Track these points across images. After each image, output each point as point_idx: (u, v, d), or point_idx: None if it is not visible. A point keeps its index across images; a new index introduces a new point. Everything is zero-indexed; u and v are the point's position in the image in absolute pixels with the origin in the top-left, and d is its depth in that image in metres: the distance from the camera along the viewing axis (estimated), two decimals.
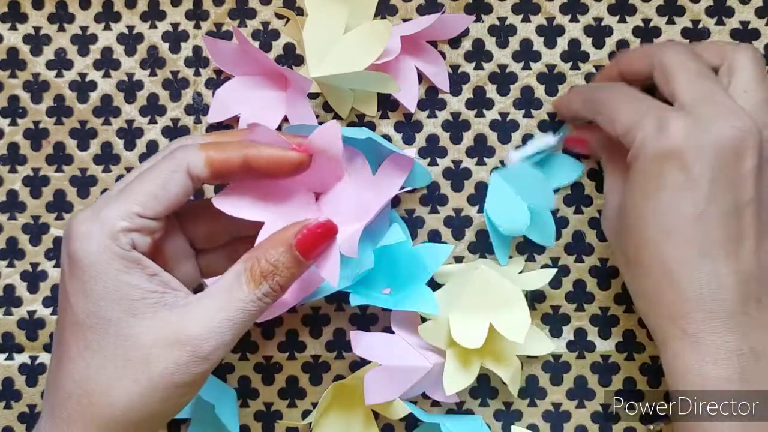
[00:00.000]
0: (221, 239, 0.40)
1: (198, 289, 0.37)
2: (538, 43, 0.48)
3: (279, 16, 0.48)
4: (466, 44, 0.48)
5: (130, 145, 0.48)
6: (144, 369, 0.32)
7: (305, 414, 0.47)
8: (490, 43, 0.48)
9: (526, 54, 0.48)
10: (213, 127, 0.48)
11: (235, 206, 0.37)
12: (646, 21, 0.48)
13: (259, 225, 0.37)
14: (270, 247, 0.34)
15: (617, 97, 0.40)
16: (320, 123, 0.47)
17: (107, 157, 0.48)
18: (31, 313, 0.47)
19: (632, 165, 0.38)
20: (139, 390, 0.32)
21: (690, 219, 0.36)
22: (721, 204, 0.35)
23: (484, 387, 0.46)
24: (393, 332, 0.45)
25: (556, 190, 0.47)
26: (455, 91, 0.48)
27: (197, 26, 0.48)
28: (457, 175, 0.47)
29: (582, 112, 0.43)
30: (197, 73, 0.48)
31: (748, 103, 0.37)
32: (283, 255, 0.34)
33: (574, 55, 0.48)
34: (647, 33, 0.48)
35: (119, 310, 0.33)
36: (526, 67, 0.48)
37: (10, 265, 0.47)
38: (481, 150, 0.48)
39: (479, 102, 0.48)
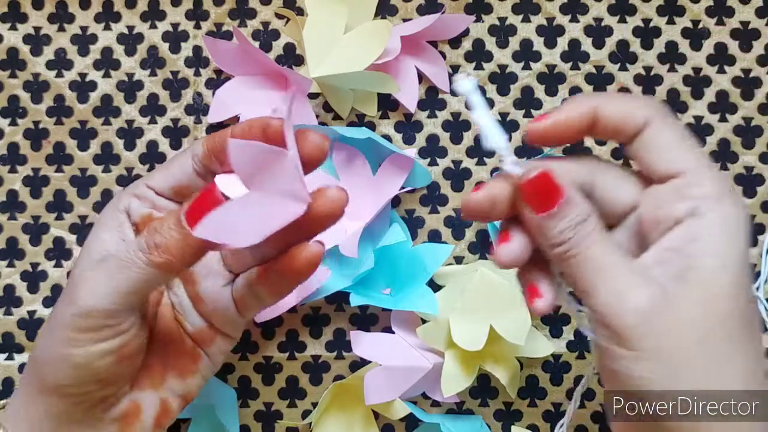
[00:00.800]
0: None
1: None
2: (538, 43, 0.48)
3: (279, 16, 0.48)
4: (466, 44, 0.48)
5: (130, 145, 0.48)
6: (51, 313, 0.34)
7: (305, 414, 0.47)
8: (490, 43, 0.48)
9: (526, 54, 0.48)
10: (213, 127, 0.48)
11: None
12: (646, 21, 0.48)
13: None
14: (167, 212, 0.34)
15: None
16: (321, 123, 0.47)
17: (107, 157, 0.48)
18: (31, 313, 0.47)
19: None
20: (45, 333, 0.34)
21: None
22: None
23: (484, 387, 0.46)
24: (393, 332, 0.45)
25: None
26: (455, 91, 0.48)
27: (197, 26, 0.48)
28: (457, 175, 0.47)
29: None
30: (197, 73, 0.48)
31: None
32: (170, 215, 0.32)
33: (575, 55, 0.48)
34: (647, 33, 0.48)
35: (85, 256, 0.34)
36: (526, 68, 0.48)
37: (10, 265, 0.47)
38: (481, 150, 0.47)
39: None
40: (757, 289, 0.46)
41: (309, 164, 0.32)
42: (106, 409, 0.34)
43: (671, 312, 0.29)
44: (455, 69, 0.48)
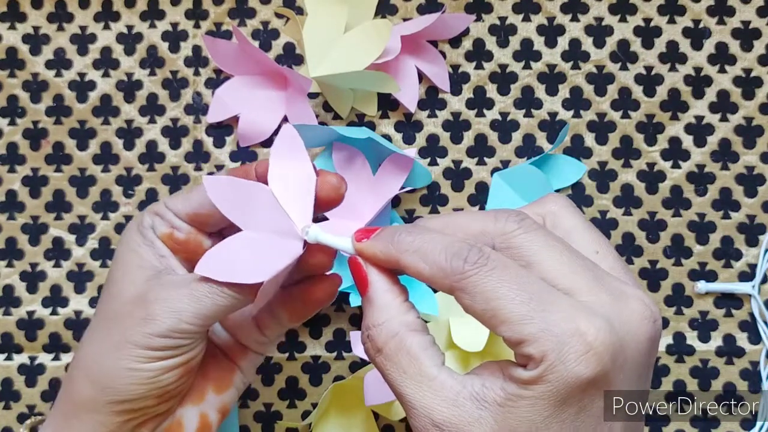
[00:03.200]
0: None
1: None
2: (538, 43, 0.48)
3: (279, 16, 0.48)
4: (467, 44, 0.48)
5: (129, 145, 0.48)
6: (111, 328, 0.33)
7: (305, 415, 0.46)
8: (491, 43, 0.48)
9: (527, 53, 0.48)
10: (212, 127, 0.48)
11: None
12: (647, 20, 0.48)
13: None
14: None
15: (502, 276, 0.28)
16: (321, 123, 0.47)
17: (106, 157, 0.48)
18: (30, 313, 0.47)
19: (531, 386, 0.27)
20: (106, 348, 0.33)
21: None
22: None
23: None
24: None
25: (557, 191, 0.47)
26: (455, 90, 0.48)
27: (197, 26, 0.48)
28: (457, 175, 0.47)
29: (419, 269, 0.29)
30: (197, 73, 0.48)
31: (612, 268, 0.30)
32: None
33: (575, 54, 0.48)
34: (648, 32, 0.47)
35: (119, 272, 0.34)
36: (527, 67, 0.48)
37: (9, 265, 0.47)
38: (481, 150, 0.47)
39: (479, 102, 0.48)
40: (753, 287, 0.46)
41: (326, 205, 0.33)
42: (154, 428, 0.34)
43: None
44: (455, 68, 0.48)
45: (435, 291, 0.44)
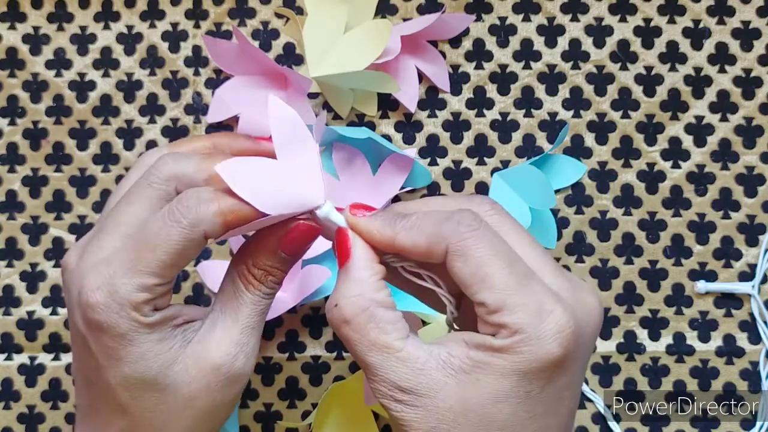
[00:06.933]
0: None
1: None
2: (538, 43, 0.48)
3: (279, 16, 0.48)
4: (467, 44, 0.48)
5: (129, 145, 0.48)
6: (189, 406, 0.33)
7: (305, 415, 0.46)
8: (491, 43, 0.48)
9: (527, 54, 0.48)
10: (212, 127, 0.48)
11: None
12: (647, 20, 0.48)
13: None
14: (256, 253, 0.33)
15: (485, 245, 0.30)
16: None
17: (106, 157, 0.48)
18: (30, 313, 0.47)
19: (500, 354, 0.29)
20: (188, 424, 0.33)
21: (568, 416, 0.31)
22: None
23: None
24: None
25: (557, 191, 0.47)
26: (455, 90, 0.48)
27: (197, 26, 0.48)
28: (457, 175, 0.47)
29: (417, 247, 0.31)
30: (197, 73, 0.48)
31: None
32: (270, 259, 0.33)
33: (575, 54, 0.48)
34: (648, 32, 0.47)
35: (156, 367, 0.32)
36: (527, 67, 0.48)
37: (9, 265, 0.47)
38: (481, 150, 0.47)
39: (479, 102, 0.48)
40: (753, 287, 0.46)
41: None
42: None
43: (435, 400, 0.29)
44: (455, 68, 0.48)
45: None
